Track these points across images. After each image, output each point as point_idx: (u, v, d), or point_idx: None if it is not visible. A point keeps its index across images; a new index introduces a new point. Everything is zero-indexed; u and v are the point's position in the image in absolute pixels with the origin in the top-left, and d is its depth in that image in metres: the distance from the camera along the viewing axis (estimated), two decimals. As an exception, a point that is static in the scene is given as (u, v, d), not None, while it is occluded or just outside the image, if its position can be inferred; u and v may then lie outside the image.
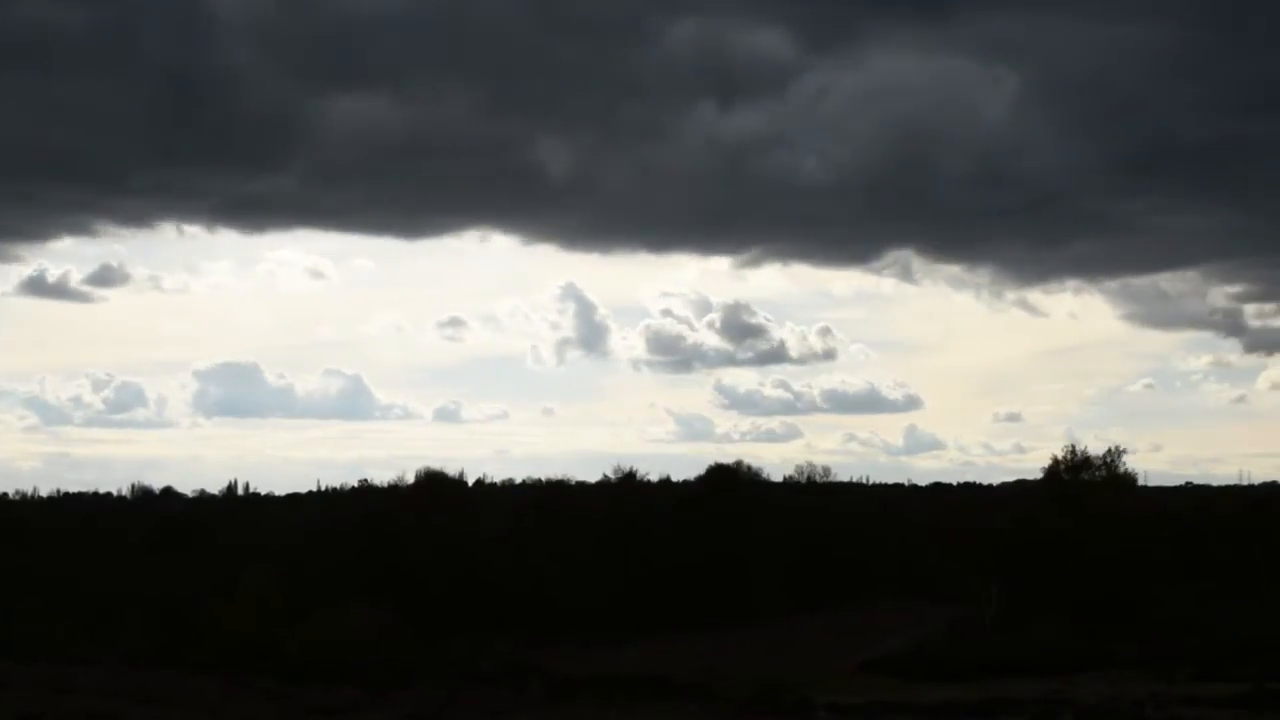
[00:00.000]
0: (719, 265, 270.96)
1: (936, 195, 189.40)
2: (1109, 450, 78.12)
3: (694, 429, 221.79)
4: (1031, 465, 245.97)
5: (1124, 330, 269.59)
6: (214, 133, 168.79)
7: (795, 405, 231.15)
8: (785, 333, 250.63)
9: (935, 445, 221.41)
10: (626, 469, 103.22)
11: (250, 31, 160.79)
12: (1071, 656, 54.32)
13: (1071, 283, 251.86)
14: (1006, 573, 69.96)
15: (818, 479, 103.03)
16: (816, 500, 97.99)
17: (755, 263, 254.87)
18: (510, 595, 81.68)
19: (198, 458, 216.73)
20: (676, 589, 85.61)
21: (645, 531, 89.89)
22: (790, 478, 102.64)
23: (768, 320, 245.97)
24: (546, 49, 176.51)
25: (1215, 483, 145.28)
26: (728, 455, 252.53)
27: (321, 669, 45.54)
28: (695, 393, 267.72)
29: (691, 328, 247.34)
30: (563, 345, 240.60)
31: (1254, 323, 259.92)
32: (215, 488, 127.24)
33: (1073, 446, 78.98)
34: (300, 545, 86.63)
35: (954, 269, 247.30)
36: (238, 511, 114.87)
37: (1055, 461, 79.46)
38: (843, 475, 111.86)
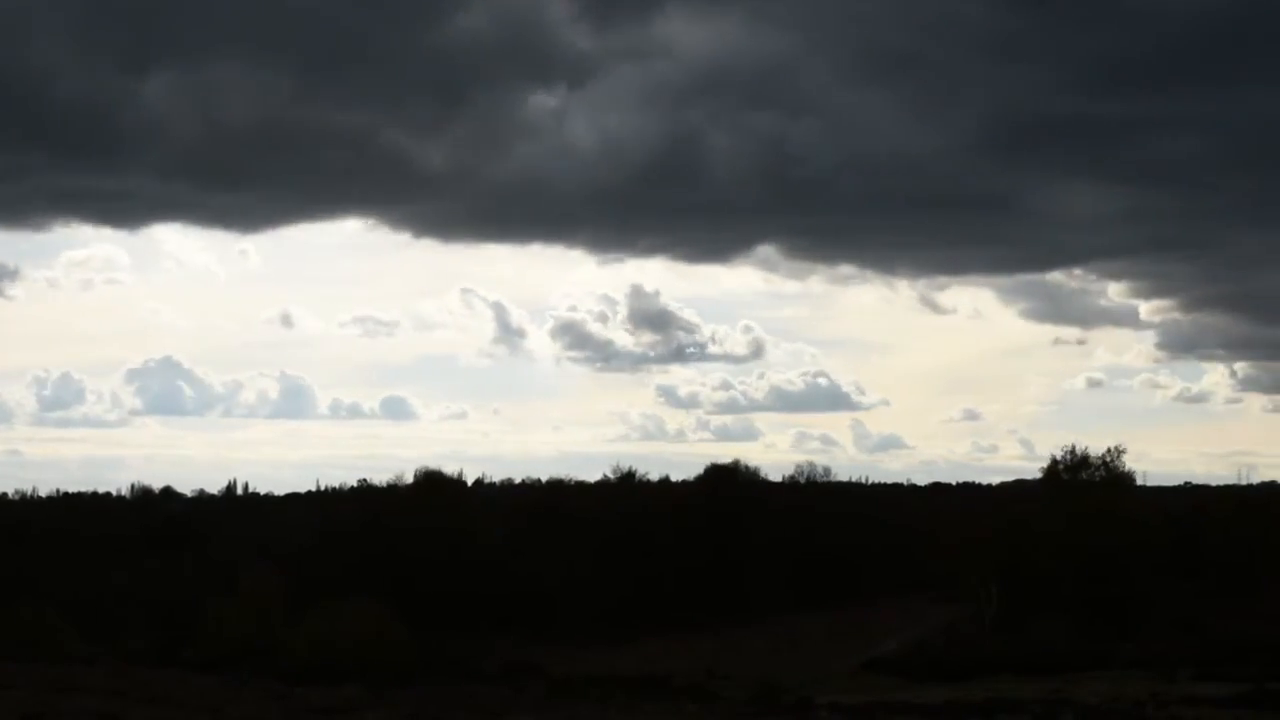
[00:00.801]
0: (597, 260, 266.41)
1: (794, 185, 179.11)
2: (1108, 450, 78.21)
3: (644, 429, 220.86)
4: (997, 465, 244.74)
5: (1032, 329, 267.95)
6: (55, 126, 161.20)
7: (739, 404, 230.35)
8: (710, 331, 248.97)
9: (894, 444, 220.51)
10: (625, 469, 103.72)
11: (73, 20, 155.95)
12: (1071, 656, 54.35)
13: (960, 278, 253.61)
14: (1006, 573, 69.96)
15: (817, 479, 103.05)
16: (816, 500, 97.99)
17: (621, 260, 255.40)
18: (510, 595, 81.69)
19: (152, 457, 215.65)
20: (676, 589, 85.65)
21: (645, 531, 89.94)
22: (790, 478, 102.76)
23: (684, 316, 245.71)
24: (353, 29, 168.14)
25: (1214, 482, 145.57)
26: (686, 455, 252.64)
27: (322, 668, 45.58)
28: (638, 392, 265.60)
29: (608, 324, 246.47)
30: (491, 344, 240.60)
31: (1152, 319, 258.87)
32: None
33: (1072, 446, 79.04)
34: (300, 545, 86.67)
35: (824, 265, 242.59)
36: (237, 511, 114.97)
37: (1054, 461, 79.48)
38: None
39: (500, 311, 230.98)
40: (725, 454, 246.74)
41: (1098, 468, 77.15)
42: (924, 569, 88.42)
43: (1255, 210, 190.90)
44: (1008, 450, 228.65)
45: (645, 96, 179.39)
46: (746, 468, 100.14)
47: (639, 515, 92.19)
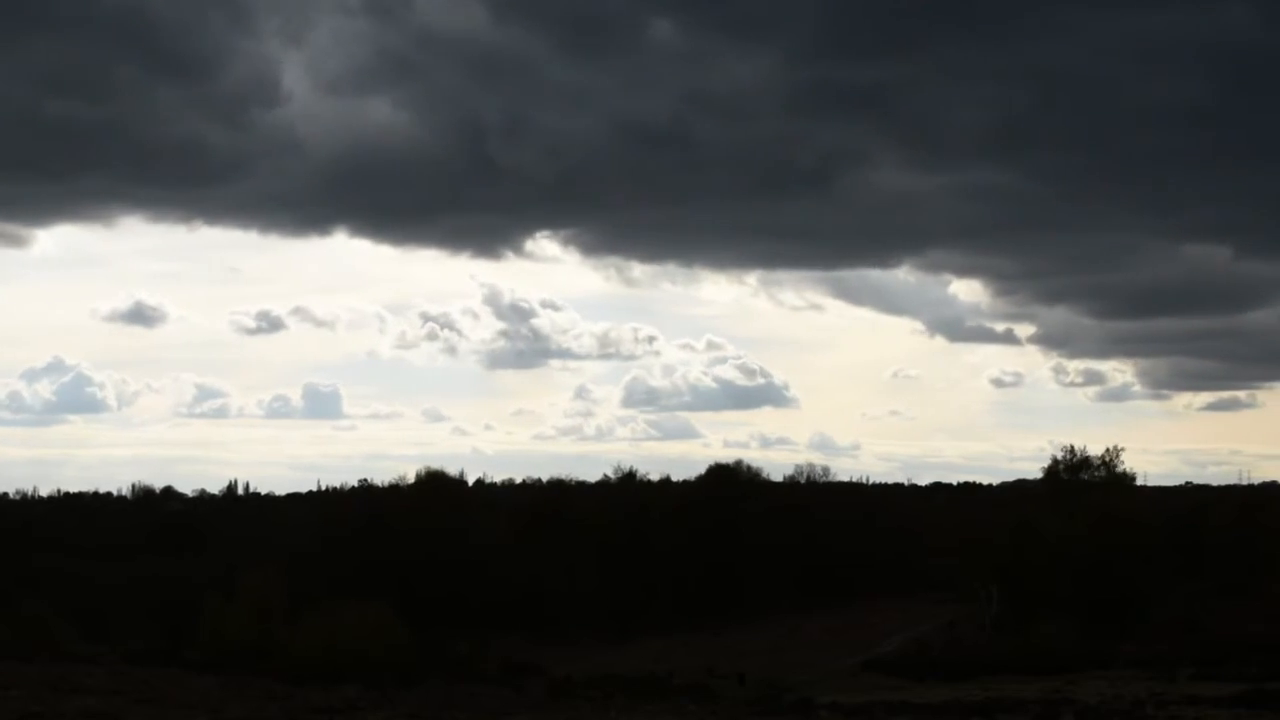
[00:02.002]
0: (399, 252, 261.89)
1: (563, 173, 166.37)
2: (1106, 450, 78.33)
3: (581, 428, 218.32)
4: (947, 464, 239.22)
5: (899, 323, 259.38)
6: None
7: (665, 401, 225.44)
8: (589, 328, 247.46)
9: (828, 444, 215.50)
10: (626, 469, 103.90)
11: None
12: (1071, 656, 54.32)
13: (791, 272, 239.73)
14: (1006, 573, 69.96)
15: (817, 479, 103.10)
16: (815, 500, 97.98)
17: (413, 251, 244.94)
18: (510, 595, 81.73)
19: (69, 459, 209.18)
20: (676, 589, 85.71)
21: (645, 532, 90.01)
22: (790, 478, 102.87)
23: (555, 315, 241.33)
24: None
25: (1214, 482, 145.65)
26: (634, 454, 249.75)
27: (321, 669, 45.53)
28: (552, 392, 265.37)
29: (480, 321, 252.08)
30: (394, 341, 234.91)
31: (1001, 312, 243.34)
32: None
33: (1071, 446, 79.16)
34: (300, 545, 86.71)
35: (618, 258, 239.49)
36: (238, 511, 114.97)
37: (1055, 461, 79.64)
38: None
39: (368, 308, 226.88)
40: (669, 453, 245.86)
41: (1097, 468, 77.29)
42: (924, 569, 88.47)
43: (1070, 193, 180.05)
44: (949, 450, 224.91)
45: (378, 73, 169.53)
46: (748, 468, 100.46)
47: (640, 515, 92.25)
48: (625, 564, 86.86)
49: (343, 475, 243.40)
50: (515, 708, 32.73)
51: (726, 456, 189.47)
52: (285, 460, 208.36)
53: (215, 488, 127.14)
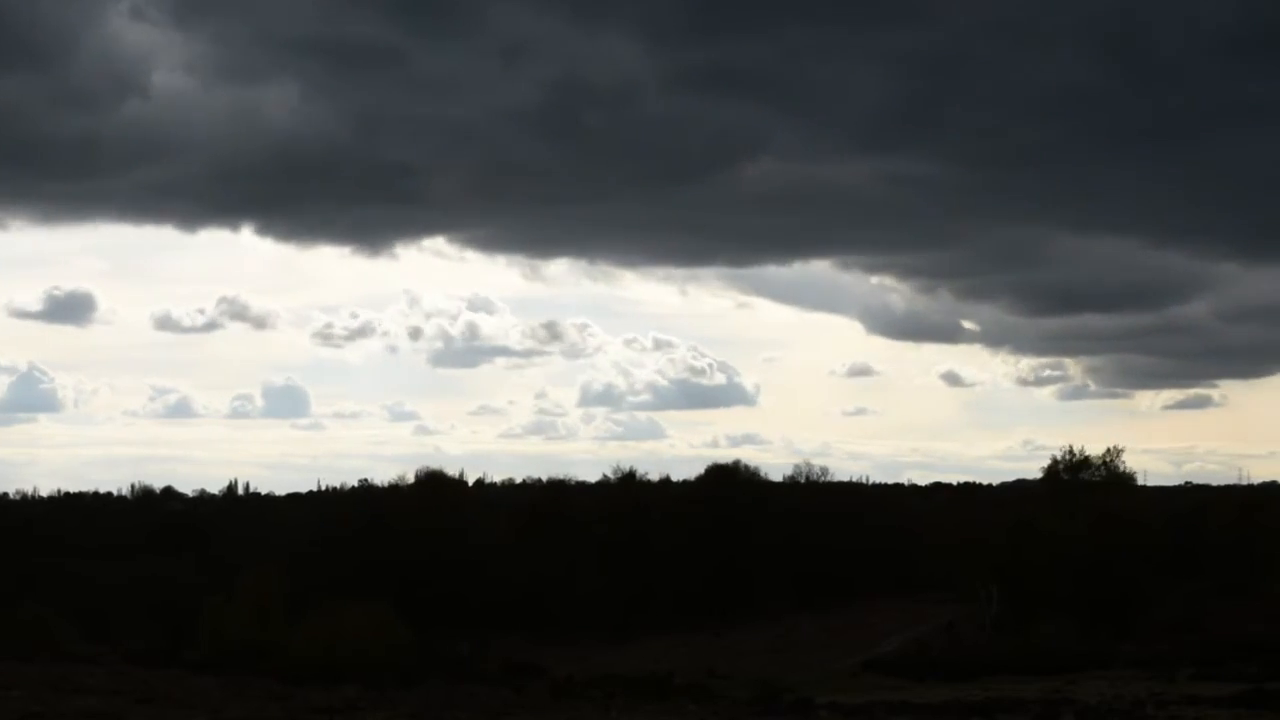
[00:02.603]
0: (295, 248, 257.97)
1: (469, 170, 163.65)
2: (1107, 450, 78.32)
3: (548, 427, 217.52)
4: (920, 462, 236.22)
5: (831, 321, 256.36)
6: None
7: (622, 400, 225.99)
8: (528, 324, 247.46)
9: (794, 444, 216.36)
10: (626, 469, 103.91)
11: None
12: (1071, 657, 54.36)
13: (704, 270, 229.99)
14: (1006, 573, 69.98)
15: (816, 479, 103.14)
16: (816, 500, 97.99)
17: (302, 247, 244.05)
18: (510, 595, 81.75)
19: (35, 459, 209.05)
20: (676, 589, 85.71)
21: (645, 532, 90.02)
22: (789, 478, 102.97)
23: (485, 313, 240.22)
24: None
25: (1214, 482, 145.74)
26: (600, 453, 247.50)
27: (321, 669, 45.52)
28: (504, 390, 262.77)
29: (409, 319, 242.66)
30: (338, 341, 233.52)
31: (928, 307, 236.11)
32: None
33: (1070, 447, 79.18)
34: (300, 545, 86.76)
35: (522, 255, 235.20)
36: (238, 511, 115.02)
37: (1054, 461, 79.63)
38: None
39: (298, 307, 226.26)
40: (632, 453, 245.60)
41: (1097, 468, 77.29)
42: (924, 569, 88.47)
43: (974, 185, 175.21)
44: (920, 450, 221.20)
45: (250, 64, 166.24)
46: (746, 468, 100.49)
47: (640, 515, 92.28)
48: (625, 564, 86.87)
49: (316, 474, 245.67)
50: (516, 708, 32.71)
51: (696, 456, 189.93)
52: (256, 459, 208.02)
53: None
